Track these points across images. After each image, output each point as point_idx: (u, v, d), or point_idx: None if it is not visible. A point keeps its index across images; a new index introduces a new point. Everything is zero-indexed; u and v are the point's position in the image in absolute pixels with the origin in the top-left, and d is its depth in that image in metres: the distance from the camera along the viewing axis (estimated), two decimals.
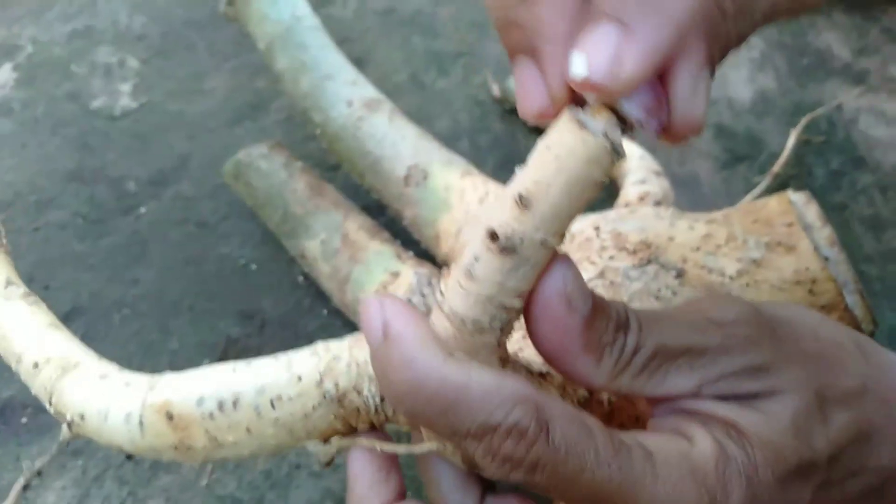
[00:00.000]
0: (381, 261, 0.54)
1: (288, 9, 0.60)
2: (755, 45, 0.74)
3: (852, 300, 0.41)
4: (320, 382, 0.30)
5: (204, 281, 0.62)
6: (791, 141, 0.64)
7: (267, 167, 0.59)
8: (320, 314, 0.60)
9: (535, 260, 0.24)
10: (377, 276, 0.53)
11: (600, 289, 0.42)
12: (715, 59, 0.23)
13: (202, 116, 0.73)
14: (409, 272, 0.53)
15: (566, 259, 0.25)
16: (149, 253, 0.64)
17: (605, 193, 0.63)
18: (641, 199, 0.53)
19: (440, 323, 0.25)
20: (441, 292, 0.25)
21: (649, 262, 0.43)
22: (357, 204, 0.60)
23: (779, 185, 0.64)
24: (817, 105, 0.68)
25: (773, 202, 0.43)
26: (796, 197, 0.43)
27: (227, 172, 0.61)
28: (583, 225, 0.47)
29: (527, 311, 0.25)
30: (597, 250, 0.44)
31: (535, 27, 0.23)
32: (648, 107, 0.22)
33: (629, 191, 0.54)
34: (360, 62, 0.76)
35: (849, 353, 0.29)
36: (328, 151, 0.61)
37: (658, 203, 0.52)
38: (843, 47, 0.74)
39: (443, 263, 0.54)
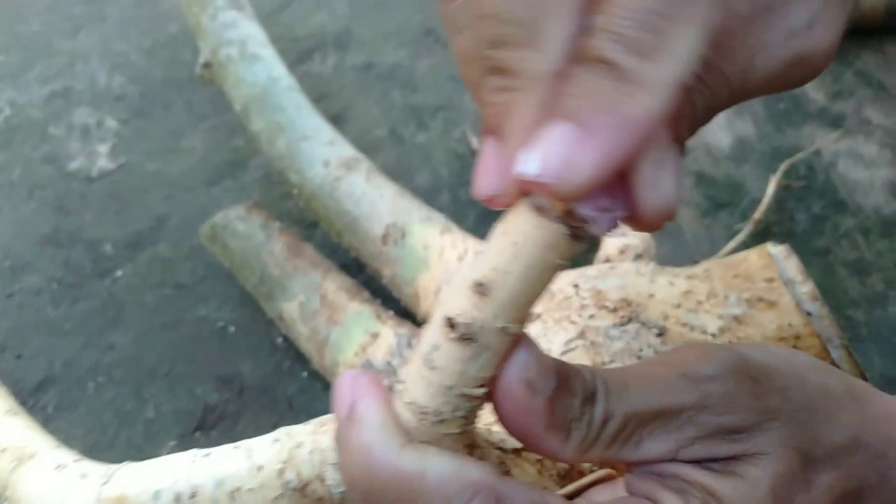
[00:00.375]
0: (360, 321, 0.53)
1: (264, 70, 0.60)
2: None
3: (838, 355, 0.40)
4: (281, 472, 0.29)
5: (181, 345, 0.61)
6: (771, 187, 0.64)
7: (244, 229, 0.58)
8: (300, 377, 0.58)
9: (496, 347, 0.23)
10: (356, 337, 0.52)
11: (580, 350, 0.41)
12: (683, 136, 0.22)
13: (180, 176, 0.73)
14: (389, 333, 0.52)
15: (528, 343, 0.24)
16: (125, 317, 0.63)
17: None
18: (622, 252, 0.52)
19: (402, 410, 0.24)
20: (400, 380, 0.24)
21: (630, 320, 0.42)
22: (336, 262, 0.59)
23: (761, 231, 0.64)
24: (795, 149, 0.69)
25: (753, 256, 0.43)
26: (776, 251, 0.43)
27: (203, 235, 0.60)
28: (562, 283, 0.46)
29: (490, 396, 0.24)
30: (577, 309, 0.44)
31: (503, 109, 0.22)
32: (604, 206, 0.21)
33: (609, 244, 0.54)
34: (338, 118, 0.76)
35: (839, 403, 0.27)
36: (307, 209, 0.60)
37: (639, 256, 0.52)
38: (818, 91, 0.75)
39: (423, 322, 0.53)
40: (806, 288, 0.41)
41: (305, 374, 0.58)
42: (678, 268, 0.46)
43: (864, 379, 0.41)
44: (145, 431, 0.56)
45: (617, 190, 0.21)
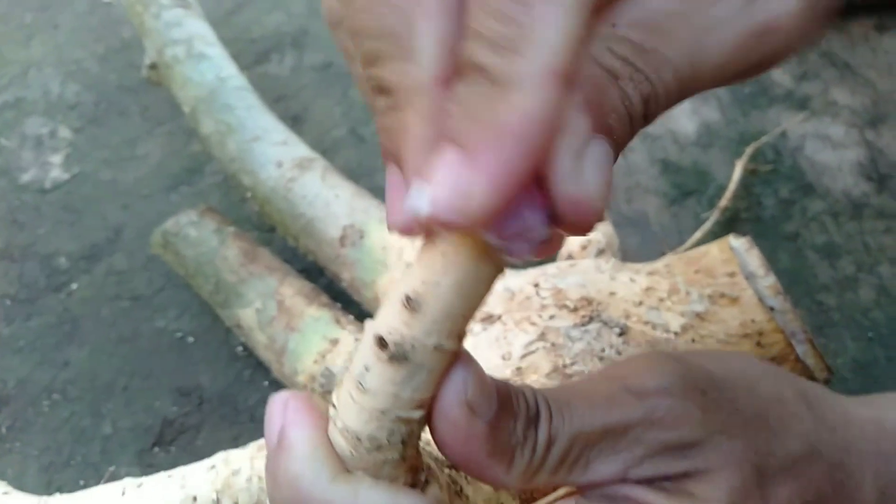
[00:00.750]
0: (318, 327, 0.51)
1: (212, 71, 0.58)
2: None
3: (802, 350, 0.39)
4: (217, 502, 0.27)
5: (138, 358, 0.59)
6: (737, 172, 0.62)
7: (196, 235, 0.57)
8: (261, 386, 0.57)
9: (431, 366, 0.21)
10: (315, 344, 0.51)
11: (541, 352, 0.40)
12: (612, 129, 0.19)
13: (136, 184, 0.71)
14: (350, 338, 0.50)
15: (467, 361, 0.22)
16: (80, 332, 0.61)
17: None
18: (584, 248, 0.51)
19: (336, 437, 0.22)
20: (333, 404, 0.23)
21: (591, 319, 0.41)
22: (296, 267, 0.58)
23: (729, 219, 0.63)
24: (762, 134, 0.68)
25: (715, 249, 0.41)
26: (738, 243, 0.41)
27: (154, 243, 0.58)
28: (522, 282, 0.45)
29: (428, 418, 0.23)
30: (537, 309, 0.42)
31: (394, 131, 0.19)
32: (516, 229, 0.19)
33: (571, 239, 0.52)
34: (297, 119, 0.74)
35: (793, 411, 0.26)
36: None
37: (601, 251, 0.51)
38: (783, 74, 0.74)
39: None
40: (768, 282, 0.39)
41: (266, 383, 0.57)
42: (639, 263, 0.44)
43: (830, 372, 0.39)
44: (102, 449, 0.55)
45: (537, 199, 0.19)
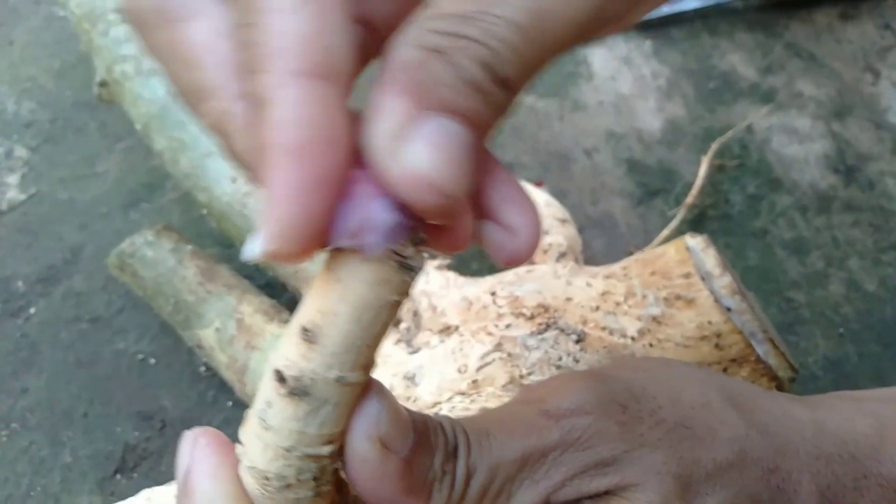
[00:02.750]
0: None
1: (162, 86, 0.56)
2: (660, 72, 0.73)
3: (764, 350, 0.38)
4: None
5: (98, 383, 0.57)
6: (703, 169, 0.62)
7: (153, 255, 0.55)
8: (224, 407, 0.55)
9: (337, 400, 0.20)
10: None
11: (497, 363, 0.39)
12: (457, 105, 0.17)
13: (94, 202, 0.69)
14: None
15: (379, 393, 0.21)
16: (39, 358, 0.59)
17: None
18: (545, 251, 0.50)
19: (245, 476, 0.21)
20: (241, 442, 0.22)
21: (548, 327, 0.40)
22: (258, 282, 0.57)
23: (697, 216, 0.62)
24: (728, 129, 0.67)
25: (671, 250, 0.40)
26: (694, 242, 0.41)
27: (111, 265, 0.57)
28: (479, 291, 0.44)
29: (341, 453, 0.22)
30: (493, 318, 0.41)
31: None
32: (355, 226, 0.18)
33: None
34: None
35: (720, 416, 0.25)
36: None
37: (562, 255, 0.50)
38: (748, 67, 0.73)
39: None
40: (724, 282, 0.38)
41: (230, 403, 0.55)
42: (597, 267, 0.43)
43: (795, 371, 0.39)
44: (62, 479, 0.53)
45: (372, 188, 0.18)
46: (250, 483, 0.21)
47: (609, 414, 0.23)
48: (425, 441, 0.22)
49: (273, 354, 0.20)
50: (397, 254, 0.19)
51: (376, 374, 0.42)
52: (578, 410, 0.23)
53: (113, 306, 0.62)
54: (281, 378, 0.20)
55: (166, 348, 0.59)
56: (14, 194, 0.71)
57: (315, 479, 0.21)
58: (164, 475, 0.53)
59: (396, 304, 0.20)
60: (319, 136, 0.16)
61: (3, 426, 0.56)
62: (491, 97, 0.18)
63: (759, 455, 0.25)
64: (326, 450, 0.21)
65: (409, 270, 0.19)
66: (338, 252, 0.19)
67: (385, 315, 0.20)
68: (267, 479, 0.21)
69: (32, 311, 0.62)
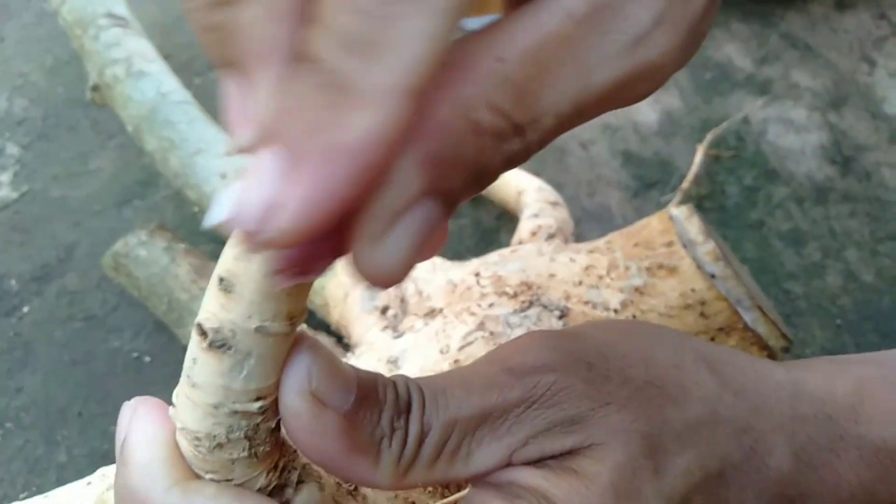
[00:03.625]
0: None
1: (152, 87, 0.56)
2: None
3: (752, 317, 0.37)
4: None
5: (93, 381, 0.57)
6: (698, 157, 0.61)
7: (146, 255, 0.55)
8: None
9: (261, 352, 0.19)
10: None
11: (480, 342, 0.39)
12: (454, 191, 0.16)
13: (87, 200, 0.69)
14: None
15: (311, 346, 0.20)
16: (33, 357, 0.59)
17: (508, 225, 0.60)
18: (533, 234, 0.49)
19: (180, 439, 0.20)
20: (173, 404, 0.21)
21: (531, 304, 0.39)
22: None
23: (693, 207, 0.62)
24: (724, 120, 0.66)
25: (654, 221, 0.40)
26: (678, 212, 0.40)
27: (106, 265, 0.56)
28: (464, 273, 0.43)
29: (277, 412, 0.21)
30: (476, 299, 0.41)
31: (231, 32, 0.15)
32: (298, 258, 0.16)
33: (522, 227, 0.51)
34: None
35: (693, 377, 0.24)
36: None
37: (552, 236, 0.49)
38: (744, 58, 0.72)
39: (336, 332, 0.50)
40: (706, 248, 0.38)
41: None
42: (581, 243, 0.43)
43: (788, 340, 0.38)
44: (58, 478, 0.53)
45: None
46: (185, 446, 0.20)
47: (575, 371, 0.23)
48: (371, 396, 0.21)
49: (200, 309, 0.20)
50: None
51: (361, 360, 0.41)
52: (543, 368, 0.22)
53: (107, 304, 0.61)
54: (202, 331, 0.19)
55: (161, 346, 0.58)
56: (6, 192, 0.70)
57: (248, 437, 0.20)
58: None
59: None
60: (377, 165, 0.14)
61: None
62: (486, 185, 0.17)
63: (732, 415, 0.24)
64: (256, 406, 0.20)
65: None
66: None
67: None
68: (198, 439, 0.20)
69: (26, 309, 0.62)
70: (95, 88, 0.58)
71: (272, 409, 0.20)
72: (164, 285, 0.54)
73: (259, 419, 0.20)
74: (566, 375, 0.22)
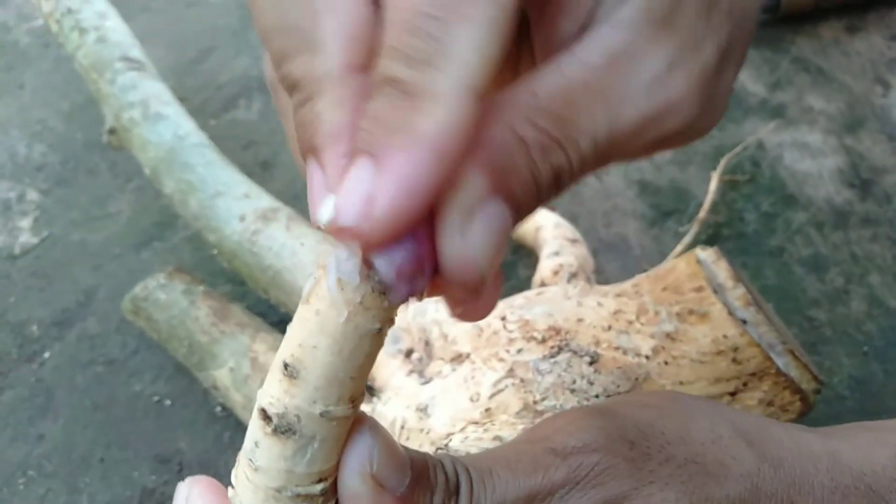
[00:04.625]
0: None
1: (169, 129, 0.56)
2: None
3: (784, 362, 0.37)
4: None
5: (115, 426, 0.57)
6: (713, 184, 0.61)
7: (166, 298, 0.55)
8: (241, 448, 0.55)
9: (324, 435, 0.19)
10: None
11: (510, 389, 0.38)
12: (516, 196, 0.19)
13: (106, 243, 0.69)
14: None
15: (372, 428, 0.21)
16: (54, 403, 0.59)
17: (528, 260, 0.60)
18: (555, 273, 0.49)
19: None
20: (232, 485, 0.21)
21: (560, 350, 0.39)
22: (271, 320, 0.56)
23: (711, 236, 0.62)
24: (738, 146, 0.66)
25: (682, 264, 0.40)
26: (704, 255, 0.40)
27: (126, 310, 0.56)
28: (490, 317, 0.43)
29: (335, 492, 0.21)
30: (504, 344, 0.41)
31: (309, 124, 0.19)
32: (403, 267, 0.18)
33: (543, 265, 0.51)
34: (267, 165, 0.73)
35: (732, 451, 0.25)
36: None
37: (574, 275, 0.49)
38: (756, 83, 0.72)
39: None
40: (737, 293, 0.37)
41: None
42: (608, 286, 0.43)
43: (820, 383, 0.38)
44: None
45: (416, 261, 0.18)
46: None
47: (617, 451, 0.23)
48: (424, 479, 0.21)
49: (259, 392, 0.20)
50: (377, 283, 0.18)
51: (388, 407, 0.41)
52: (586, 448, 0.23)
53: (128, 348, 0.61)
54: (266, 416, 0.19)
55: (182, 389, 0.58)
56: (27, 238, 0.71)
57: None
58: None
59: (380, 333, 0.19)
60: (462, 151, 0.17)
61: (19, 474, 0.55)
62: (545, 196, 0.19)
63: (773, 490, 0.24)
64: (318, 488, 0.20)
65: (390, 298, 0.19)
66: (315, 279, 0.19)
67: (368, 345, 0.19)
68: None
69: (47, 355, 0.62)
70: (112, 132, 0.59)
71: (331, 489, 0.21)
72: (185, 328, 0.54)
73: (319, 501, 0.20)
74: (609, 455, 0.23)
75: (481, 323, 0.43)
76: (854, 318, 0.56)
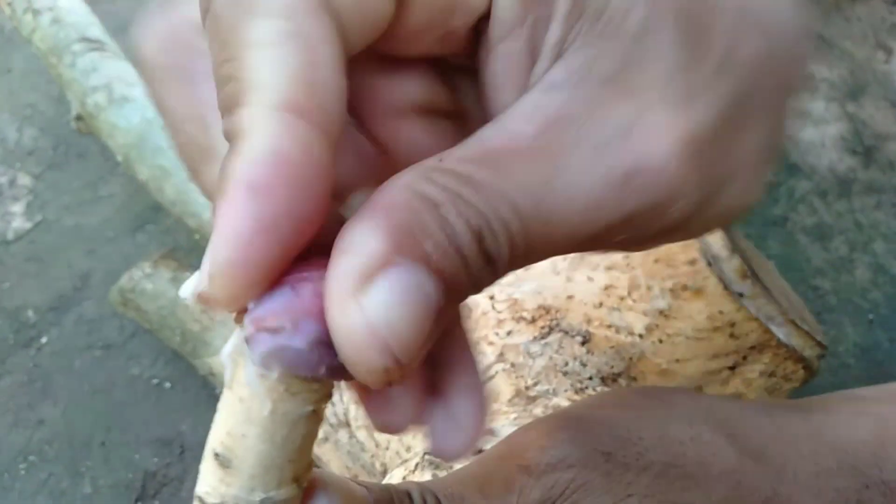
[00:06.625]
0: None
1: (136, 113, 0.55)
2: None
3: (785, 332, 0.36)
4: None
5: (115, 410, 0.57)
6: None
7: (153, 288, 0.54)
8: None
9: None
10: None
11: (501, 375, 0.37)
12: (435, 262, 0.15)
13: (101, 227, 0.68)
14: None
15: (323, 490, 0.19)
16: (53, 388, 0.58)
17: None
18: None
19: None
20: None
21: (551, 330, 0.38)
22: None
23: None
24: None
25: None
26: None
27: (114, 301, 0.56)
28: (478, 296, 0.42)
29: None
30: (493, 326, 0.40)
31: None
32: (259, 315, 0.15)
33: None
34: None
35: (711, 449, 0.24)
36: None
37: None
38: None
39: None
40: (732, 265, 0.36)
41: None
42: (598, 257, 0.42)
43: (823, 347, 0.37)
44: None
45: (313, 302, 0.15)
46: None
47: (592, 465, 0.22)
48: None
49: (198, 479, 0.19)
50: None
51: None
52: (560, 464, 0.22)
53: (125, 331, 0.61)
54: None
55: (181, 372, 0.58)
56: (20, 223, 0.70)
57: None
58: (184, 501, 0.52)
59: (315, 413, 0.17)
60: (287, 175, 0.14)
61: (21, 459, 0.55)
62: (473, 269, 0.16)
63: (756, 484, 0.23)
64: None
65: (319, 380, 0.16)
66: (235, 367, 0.17)
67: (303, 427, 0.17)
68: None
69: (44, 340, 0.61)
70: (79, 118, 0.58)
71: None
72: (175, 317, 0.53)
73: None
74: (584, 470, 0.22)
75: (469, 302, 0.42)
76: (859, 286, 0.55)
